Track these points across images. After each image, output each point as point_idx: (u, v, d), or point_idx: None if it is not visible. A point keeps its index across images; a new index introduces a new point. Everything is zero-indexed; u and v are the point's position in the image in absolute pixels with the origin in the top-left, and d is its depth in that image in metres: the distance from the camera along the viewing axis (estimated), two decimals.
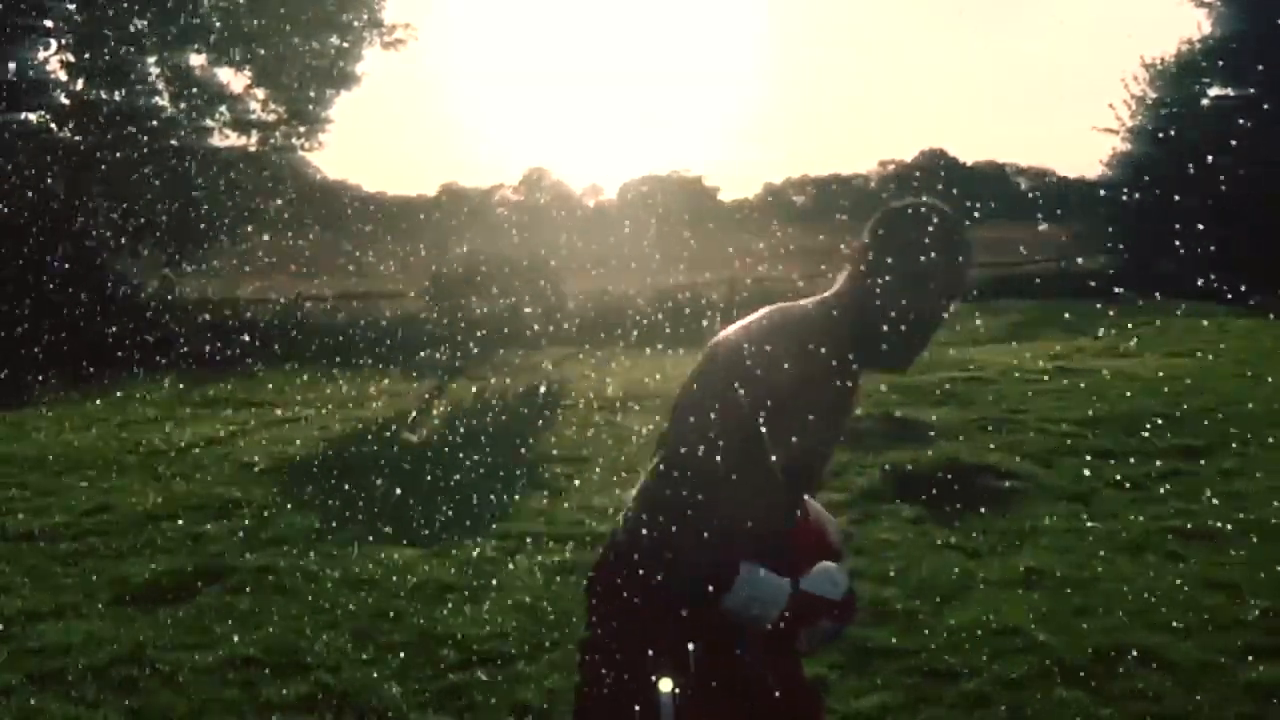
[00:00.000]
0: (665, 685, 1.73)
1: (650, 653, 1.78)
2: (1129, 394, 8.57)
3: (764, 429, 1.73)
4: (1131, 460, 6.60)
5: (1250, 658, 3.72)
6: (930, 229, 1.76)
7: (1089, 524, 5.37)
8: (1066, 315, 14.03)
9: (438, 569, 4.97)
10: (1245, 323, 12.99)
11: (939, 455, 6.44)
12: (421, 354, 11.88)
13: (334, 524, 5.79)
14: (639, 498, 1.77)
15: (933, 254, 1.75)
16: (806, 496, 2.00)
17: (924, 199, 1.82)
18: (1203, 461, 6.51)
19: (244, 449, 7.89)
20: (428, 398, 10.35)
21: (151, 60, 18.51)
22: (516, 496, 6.20)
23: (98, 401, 10.63)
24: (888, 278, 1.76)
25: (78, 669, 3.92)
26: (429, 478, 6.61)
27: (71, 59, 17.76)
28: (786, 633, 1.77)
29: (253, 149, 19.71)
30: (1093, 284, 15.54)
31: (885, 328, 1.77)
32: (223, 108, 19.35)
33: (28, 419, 9.65)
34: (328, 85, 19.73)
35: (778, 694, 1.85)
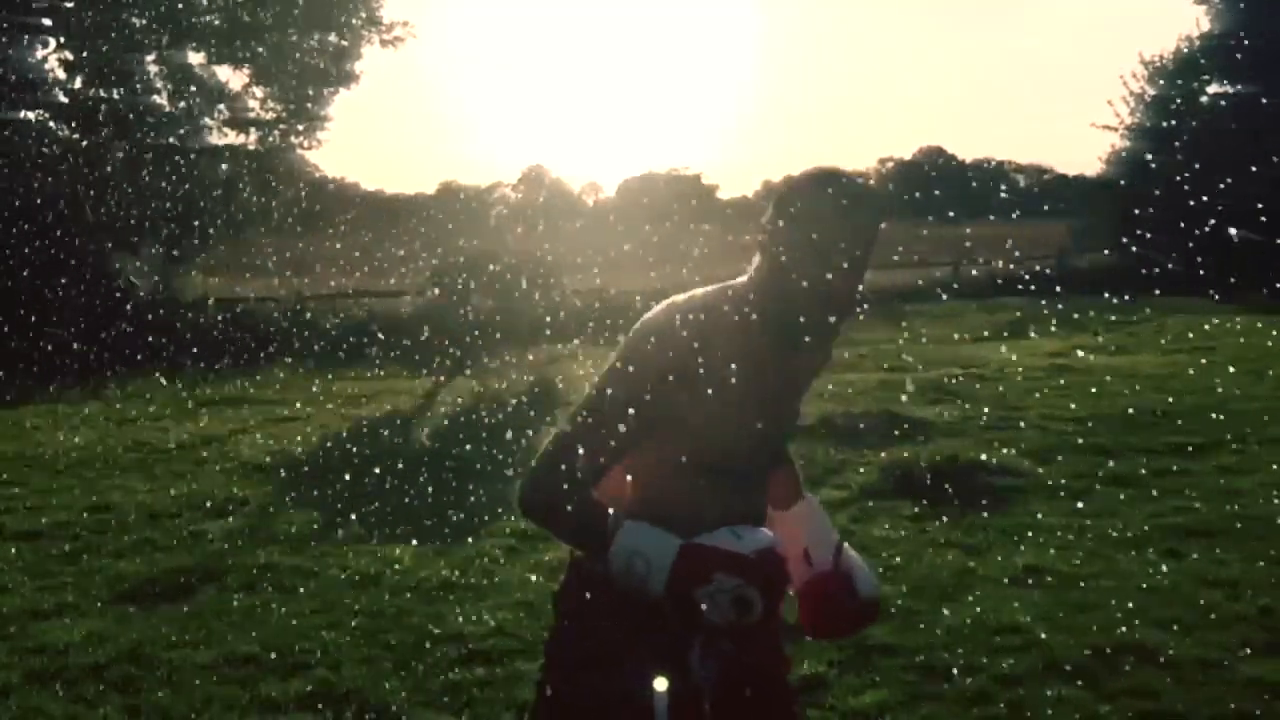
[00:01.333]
0: (660, 685, 1.69)
1: (607, 661, 1.76)
2: (1127, 391, 8.58)
3: (658, 411, 1.72)
4: (1130, 457, 6.60)
5: (1248, 654, 3.73)
6: (828, 196, 1.69)
7: (1087, 521, 5.37)
8: (1065, 312, 14.05)
9: (438, 567, 4.98)
10: (1243, 320, 13.00)
11: (938, 452, 6.45)
12: (421, 352, 11.87)
13: (334, 522, 5.80)
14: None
15: (832, 221, 1.68)
16: (845, 545, 1.92)
17: (827, 166, 1.75)
18: (1201, 458, 6.53)
19: (244, 447, 7.89)
20: (427, 396, 10.35)
21: (150, 59, 18.49)
22: (516, 495, 6.20)
23: (97, 400, 10.63)
24: (790, 251, 1.70)
25: (77, 667, 3.93)
26: (429, 476, 6.61)
27: (70, 57, 17.75)
28: (682, 597, 1.63)
29: (252, 147, 19.71)
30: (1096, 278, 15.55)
31: (794, 303, 1.71)
32: (221, 106, 19.34)
33: (26, 417, 9.65)
34: (326, 83, 19.72)
35: (737, 699, 1.80)
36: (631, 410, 1.71)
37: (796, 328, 1.73)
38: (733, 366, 1.74)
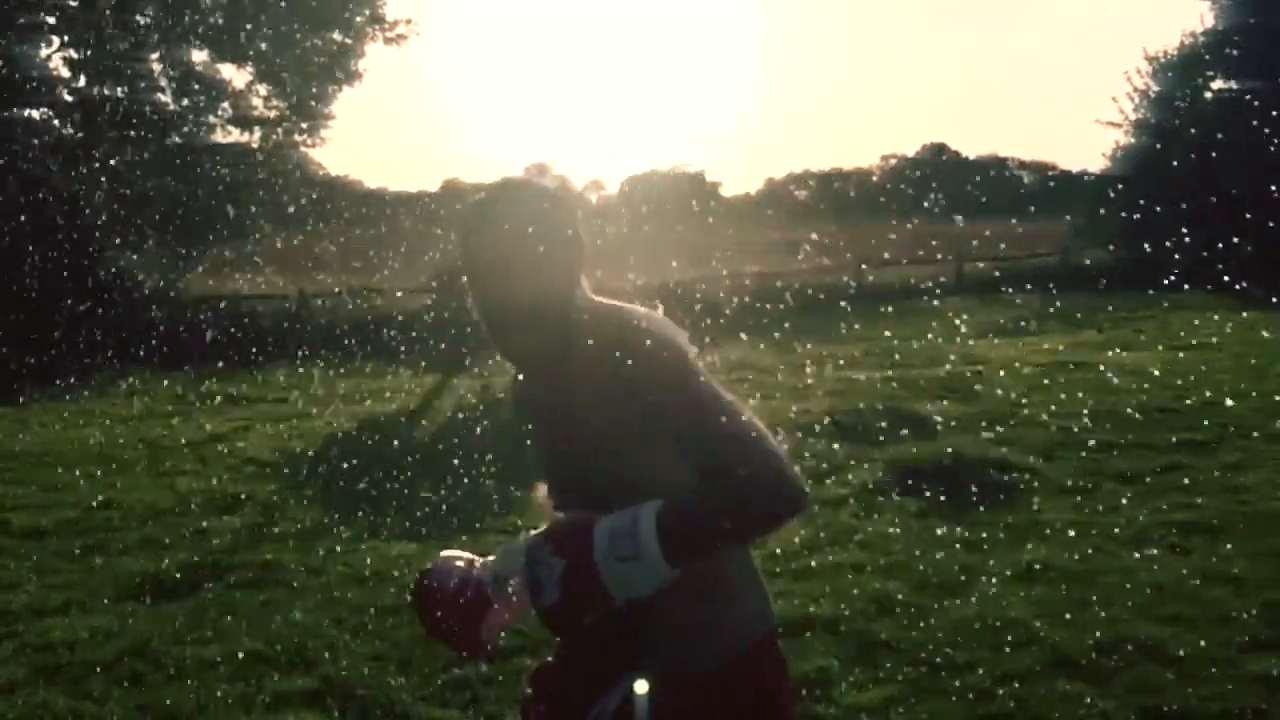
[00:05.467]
0: (641, 688, 1.66)
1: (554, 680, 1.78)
2: (1131, 388, 8.57)
3: None
4: (1134, 454, 6.60)
5: (1252, 651, 3.73)
6: (463, 214, 1.69)
7: (1091, 517, 5.38)
8: (1069, 309, 14.04)
9: None
10: (1248, 316, 12.98)
11: (942, 449, 6.45)
12: (424, 349, 11.89)
13: (339, 519, 5.81)
14: None
15: (465, 238, 1.67)
16: None
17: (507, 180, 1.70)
18: (1205, 455, 6.52)
19: (249, 445, 7.91)
20: (431, 393, 10.36)
21: (154, 57, 18.56)
22: (520, 491, 6.21)
23: (102, 398, 10.65)
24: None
25: (84, 664, 3.94)
26: (433, 473, 6.62)
27: (74, 56, 17.80)
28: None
29: (255, 145, 19.75)
30: (1102, 277, 15.53)
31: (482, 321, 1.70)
32: (225, 104, 19.40)
33: (32, 415, 9.67)
34: (329, 81, 19.78)
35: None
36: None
37: (495, 343, 1.71)
38: (518, 404, 1.81)
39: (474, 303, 1.69)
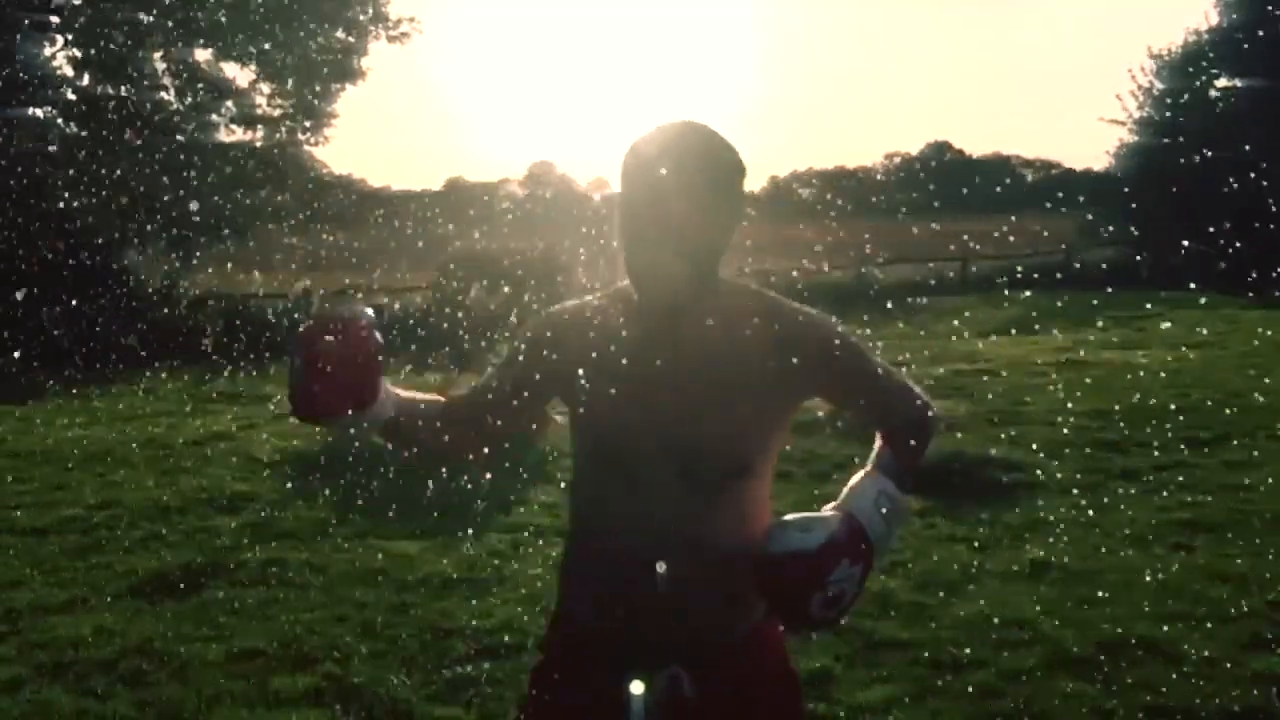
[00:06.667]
0: (637, 688, 1.66)
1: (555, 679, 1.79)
2: (1135, 386, 8.56)
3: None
4: (1137, 452, 6.59)
5: (1255, 649, 3.73)
6: (630, 153, 1.66)
7: (1095, 516, 5.37)
8: (1073, 307, 14.03)
9: (445, 562, 4.99)
10: (1252, 314, 12.97)
11: (945, 448, 6.43)
12: (428, 348, 11.89)
13: (342, 518, 5.81)
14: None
15: (633, 175, 1.66)
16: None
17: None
18: (1209, 453, 6.51)
19: (252, 443, 7.91)
20: (434, 392, 10.37)
21: (157, 55, 18.55)
22: (523, 489, 6.22)
23: (106, 396, 10.66)
24: (619, 214, 1.72)
25: (87, 662, 3.94)
26: (437, 472, 6.62)
27: (77, 54, 17.80)
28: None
29: (258, 144, 19.75)
30: (1103, 274, 15.52)
31: (628, 263, 1.69)
32: (228, 103, 19.38)
33: (36, 413, 9.68)
34: (333, 79, 19.75)
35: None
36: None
37: (640, 286, 1.69)
38: (596, 353, 1.72)
39: (631, 222, 1.66)
